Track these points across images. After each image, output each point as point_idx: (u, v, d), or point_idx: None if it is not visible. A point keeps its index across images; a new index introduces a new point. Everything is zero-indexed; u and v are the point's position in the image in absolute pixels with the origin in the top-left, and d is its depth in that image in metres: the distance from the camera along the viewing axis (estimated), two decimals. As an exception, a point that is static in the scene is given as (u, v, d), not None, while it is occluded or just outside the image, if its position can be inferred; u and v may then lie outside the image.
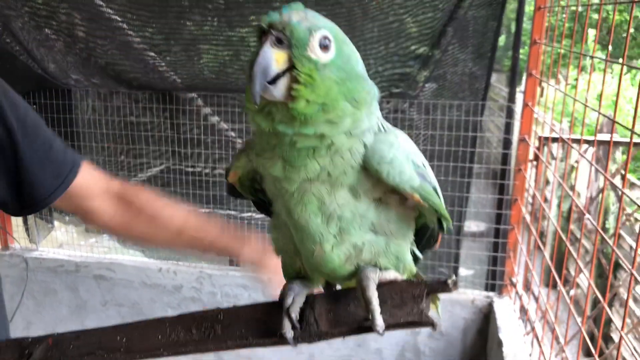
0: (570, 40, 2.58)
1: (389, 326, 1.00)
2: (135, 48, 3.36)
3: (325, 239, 0.99)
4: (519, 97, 3.29)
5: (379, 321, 0.98)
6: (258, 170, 1.03)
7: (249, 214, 3.68)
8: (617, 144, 6.09)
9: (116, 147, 3.78)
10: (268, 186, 1.04)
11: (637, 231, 3.68)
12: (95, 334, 1.20)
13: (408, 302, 1.01)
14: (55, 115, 3.72)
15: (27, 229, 4.11)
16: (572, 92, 2.51)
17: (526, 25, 3.79)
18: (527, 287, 3.12)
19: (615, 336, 5.46)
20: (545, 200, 2.94)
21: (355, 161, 0.95)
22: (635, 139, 1.70)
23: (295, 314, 1.05)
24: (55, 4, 3.33)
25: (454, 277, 0.99)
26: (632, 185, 6.01)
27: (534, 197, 3.01)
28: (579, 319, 2.21)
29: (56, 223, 4.18)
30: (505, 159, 3.27)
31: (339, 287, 1.18)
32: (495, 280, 3.36)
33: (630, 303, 4.73)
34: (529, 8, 3.27)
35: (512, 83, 3.23)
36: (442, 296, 1.14)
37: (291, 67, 0.88)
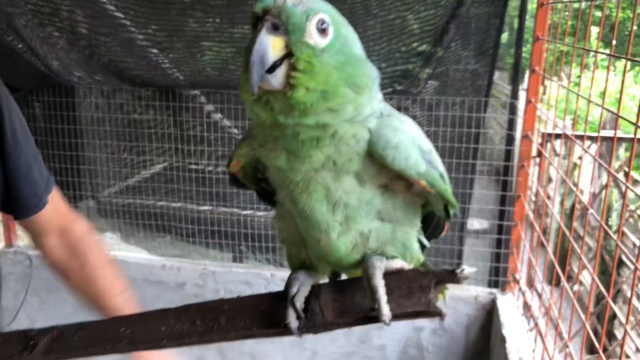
0: (573, 38, 2.58)
1: (395, 316, 0.97)
2: (138, 45, 3.36)
3: (331, 227, 0.97)
4: (522, 94, 3.28)
5: (386, 310, 0.95)
6: (261, 160, 1.00)
7: (251, 211, 3.68)
8: (620, 140, 6.08)
9: (119, 145, 3.79)
10: (271, 175, 1.02)
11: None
12: (99, 326, 1.22)
13: (415, 292, 0.98)
14: (59, 112, 3.73)
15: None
16: (575, 89, 2.51)
17: (529, 23, 3.79)
18: (530, 283, 3.11)
19: (618, 333, 5.46)
20: (548, 197, 2.94)
21: (360, 148, 0.93)
22: (639, 135, 1.69)
23: (300, 303, 1.02)
24: (59, 1, 3.33)
25: (463, 267, 0.97)
26: (635, 182, 5.99)
27: (537, 193, 3.01)
28: (582, 315, 2.21)
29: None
30: (508, 155, 3.25)
31: (344, 277, 1.17)
32: (498, 277, 3.35)
33: (634, 300, 4.72)
34: (531, 5, 3.26)
35: (515, 80, 3.23)
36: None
37: (289, 54, 0.85)
